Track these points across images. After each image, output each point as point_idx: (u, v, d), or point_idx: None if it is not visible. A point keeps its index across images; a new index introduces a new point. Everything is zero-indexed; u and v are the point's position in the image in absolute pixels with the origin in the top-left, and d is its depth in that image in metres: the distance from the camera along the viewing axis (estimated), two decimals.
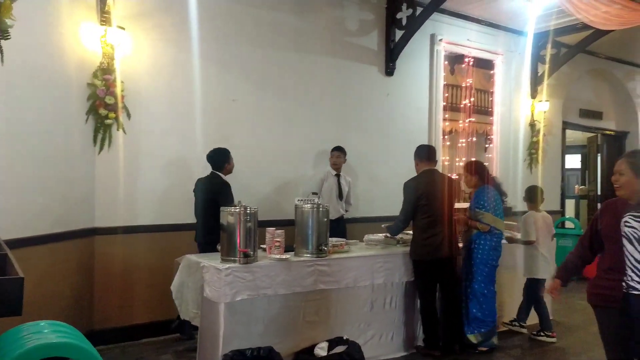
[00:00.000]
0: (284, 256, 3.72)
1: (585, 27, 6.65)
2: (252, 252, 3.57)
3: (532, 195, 5.15)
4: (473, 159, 6.06)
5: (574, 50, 7.66)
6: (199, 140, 4.96)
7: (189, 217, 4.72)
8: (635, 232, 2.22)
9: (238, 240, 3.51)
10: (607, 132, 9.91)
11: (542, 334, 4.93)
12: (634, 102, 9.93)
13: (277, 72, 5.52)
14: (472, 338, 4.51)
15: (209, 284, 3.51)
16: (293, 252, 3.91)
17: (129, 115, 4.61)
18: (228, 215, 3.57)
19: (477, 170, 4.69)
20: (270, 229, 3.84)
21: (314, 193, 5.29)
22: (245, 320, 3.55)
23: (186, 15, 4.87)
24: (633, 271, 2.24)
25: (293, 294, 3.76)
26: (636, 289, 2.22)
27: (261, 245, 3.86)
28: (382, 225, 4.66)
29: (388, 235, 4.61)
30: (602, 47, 8.13)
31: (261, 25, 5.41)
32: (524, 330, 5.11)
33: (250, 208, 3.60)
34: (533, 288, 5.01)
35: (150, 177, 4.76)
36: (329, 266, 3.93)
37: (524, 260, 5.07)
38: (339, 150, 5.59)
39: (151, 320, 4.73)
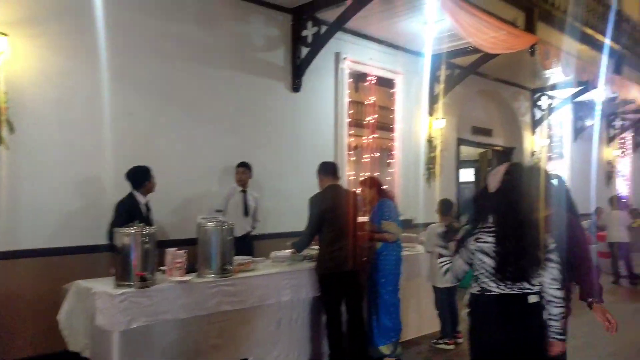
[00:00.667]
0: (185, 278, 3.56)
1: (475, 50, 7.15)
2: (149, 276, 3.38)
3: (439, 207, 5.38)
4: (370, 175, 6.32)
5: (466, 71, 8.19)
6: (94, 156, 4.66)
7: (86, 239, 4.42)
8: (491, 247, 2.44)
9: (134, 263, 3.31)
10: (496, 147, 10.68)
11: (440, 342, 5.15)
12: (519, 120, 10.83)
13: (180, 86, 5.34)
14: (385, 349, 4.60)
15: (101, 312, 3.26)
16: (196, 273, 3.77)
17: (12, 129, 4.21)
18: (123, 237, 3.35)
19: (376, 185, 4.89)
20: (171, 250, 3.67)
21: (217, 210, 5.18)
22: (141, 349, 3.33)
23: (80, 23, 4.57)
24: (491, 280, 2.46)
25: (195, 318, 3.60)
26: (492, 291, 2.46)
27: (161, 267, 3.67)
28: (287, 243, 4.64)
29: (295, 251, 4.59)
30: (491, 69, 8.78)
31: (164, 36, 5.21)
32: (460, 340, 5.15)
33: (148, 228, 3.42)
34: (436, 296, 5.22)
35: (37, 196, 4.36)
36: (234, 286, 3.82)
37: None
38: (244, 166, 5.50)
39: (37, 354, 4.30)
